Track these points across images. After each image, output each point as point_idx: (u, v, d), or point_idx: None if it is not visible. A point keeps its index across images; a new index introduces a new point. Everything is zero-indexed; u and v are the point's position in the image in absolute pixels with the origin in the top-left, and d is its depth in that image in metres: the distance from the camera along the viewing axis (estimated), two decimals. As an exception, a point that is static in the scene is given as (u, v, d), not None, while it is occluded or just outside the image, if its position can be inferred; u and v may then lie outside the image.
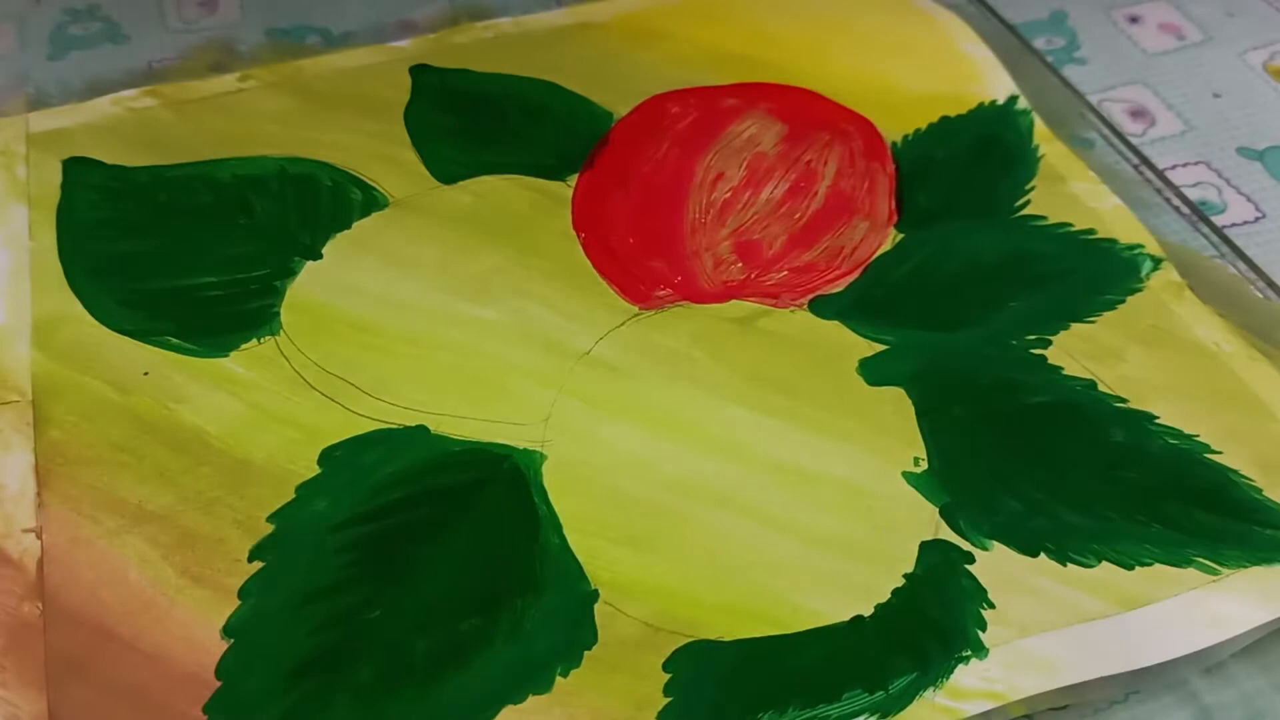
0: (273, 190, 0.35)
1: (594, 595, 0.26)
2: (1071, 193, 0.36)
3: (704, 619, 0.26)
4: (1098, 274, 0.34)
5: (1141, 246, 0.34)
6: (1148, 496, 0.28)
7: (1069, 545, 0.27)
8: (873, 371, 0.31)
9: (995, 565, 0.27)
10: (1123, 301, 0.33)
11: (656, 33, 0.42)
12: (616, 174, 0.36)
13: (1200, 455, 0.29)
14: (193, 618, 0.26)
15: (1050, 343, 0.32)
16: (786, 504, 0.28)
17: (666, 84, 0.40)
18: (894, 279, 0.34)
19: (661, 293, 0.33)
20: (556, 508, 0.28)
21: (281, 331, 0.31)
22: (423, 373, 0.31)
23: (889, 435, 0.30)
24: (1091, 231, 0.35)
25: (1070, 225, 0.35)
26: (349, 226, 0.34)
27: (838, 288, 0.33)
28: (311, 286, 0.33)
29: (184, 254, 0.33)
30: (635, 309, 0.33)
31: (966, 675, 0.25)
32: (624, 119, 0.38)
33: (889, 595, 0.27)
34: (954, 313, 0.33)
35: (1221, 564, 0.27)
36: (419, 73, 0.40)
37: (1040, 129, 0.38)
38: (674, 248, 0.34)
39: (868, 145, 0.38)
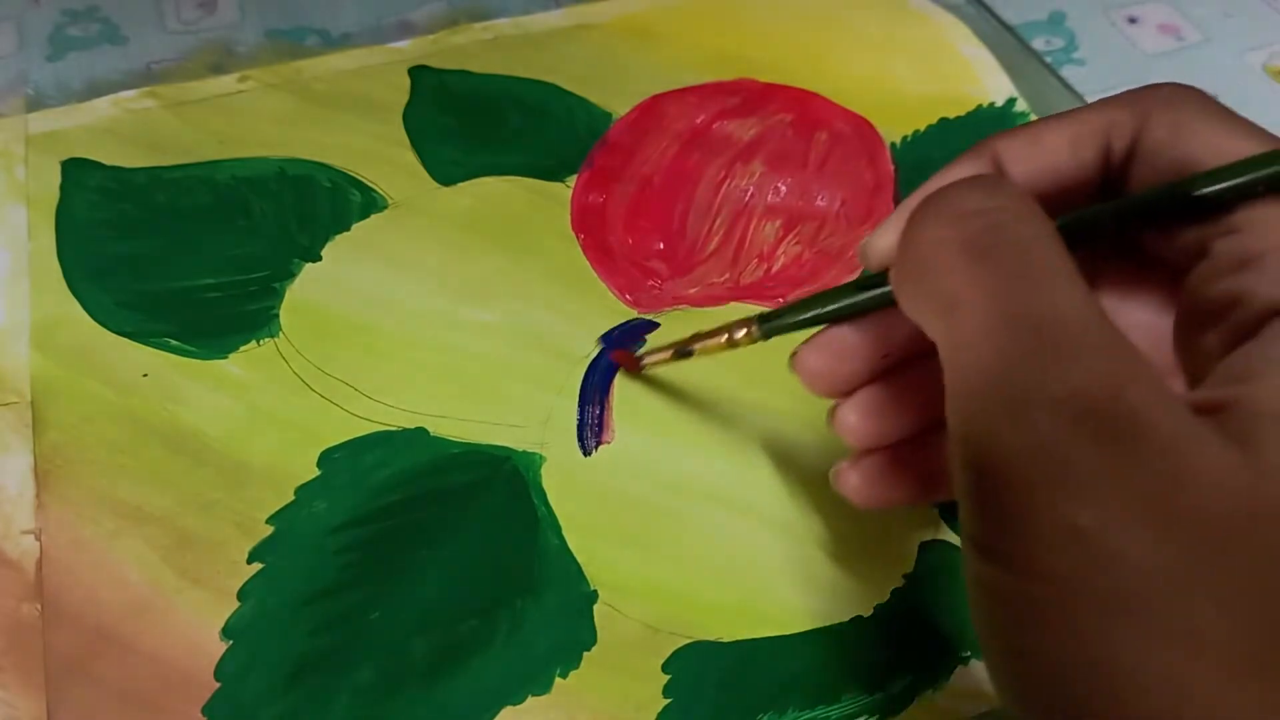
0: (272, 191, 0.35)
1: (593, 596, 0.26)
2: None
3: (704, 620, 0.26)
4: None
5: (1140, 247, 0.34)
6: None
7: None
8: (872, 372, 0.31)
9: (995, 566, 0.27)
10: (1122, 302, 0.33)
11: (655, 34, 0.42)
12: (615, 175, 0.36)
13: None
14: (192, 619, 0.26)
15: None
16: (786, 504, 0.28)
17: (665, 84, 0.40)
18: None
19: (660, 293, 0.33)
20: (556, 509, 0.28)
21: (280, 333, 0.31)
22: (422, 375, 0.31)
23: (888, 436, 0.30)
24: (1090, 232, 0.35)
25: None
26: (348, 229, 0.34)
27: (837, 289, 0.33)
28: (310, 288, 0.33)
29: (183, 255, 0.33)
30: (634, 311, 0.33)
31: (966, 676, 0.25)
32: (623, 119, 0.38)
33: (888, 596, 0.27)
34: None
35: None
36: (418, 74, 0.40)
37: (1039, 130, 0.38)
38: (673, 249, 0.34)
39: (867, 146, 0.38)
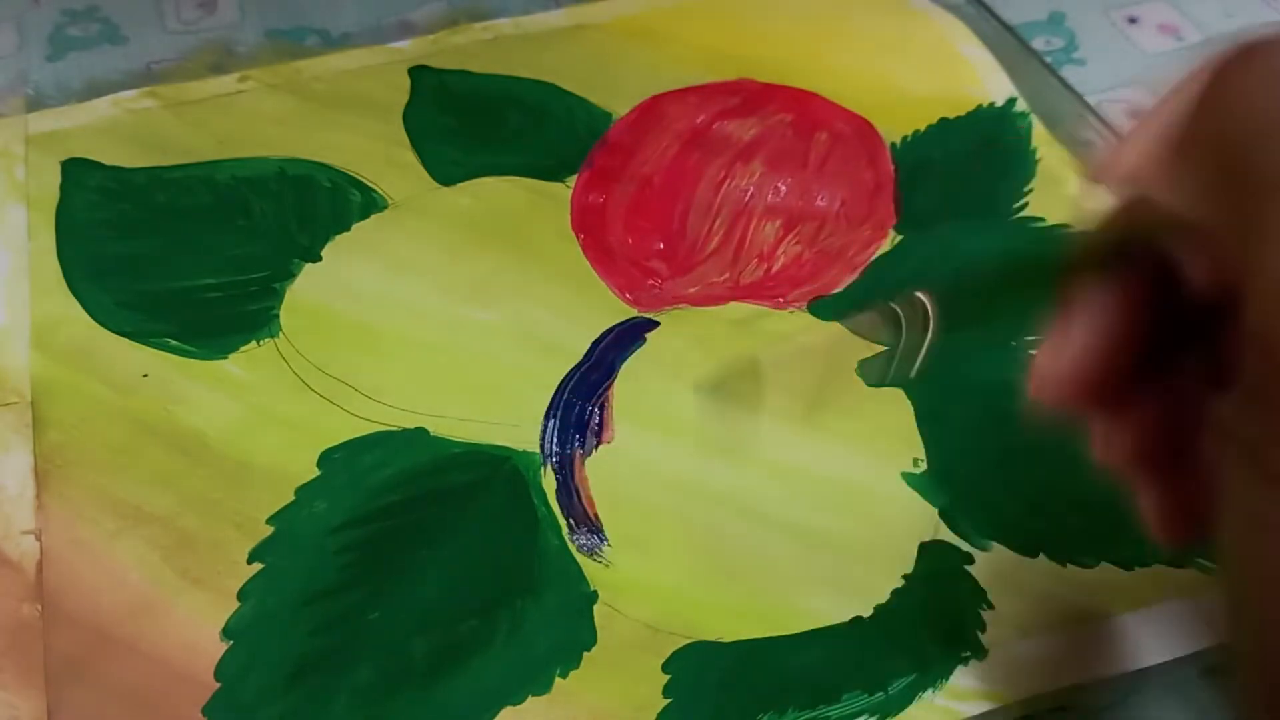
0: (272, 191, 0.35)
1: (593, 596, 0.26)
2: (1070, 194, 0.36)
3: (704, 620, 0.26)
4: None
5: (1140, 247, 0.34)
6: (1147, 497, 0.28)
7: (1069, 545, 0.27)
8: (872, 372, 0.31)
9: (995, 566, 0.27)
10: (1122, 302, 0.33)
11: (655, 34, 0.42)
12: (615, 175, 0.36)
13: (1199, 456, 0.29)
14: (192, 619, 0.26)
15: (1049, 343, 0.32)
16: (786, 504, 0.28)
17: (665, 85, 0.40)
18: (894, 280, 0.34)
19: (660, 292, 0.33)
20: (556, 509, 0.28)
21: (281, 333, 0.31)
22: (422, 375, 0.31)
23: (888, 436, 0.30)
24: (1090, 232, 0.35)
25: (1070, 227, 0.35)
26: (348, 229, 0.34)
27: (837, 289, 0.33)
28: (311, 289, 0.33)
29: (183, 255, 0.33)
30: (635, 310, 0.33)
31: (966, 676, 0.25)
32: (623, 119, 0.38)
33: (888, 596, 0.27)
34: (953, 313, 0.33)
35: (1221, 564, 0.27)
36: (418, 74, 0.40)
37: (1039, 131, 0.38)
38: (673, 248, 0.34)
39: (867, 146, 0.38)
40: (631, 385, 0.31)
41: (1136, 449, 0.19)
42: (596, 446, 0.29)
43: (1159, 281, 0.17)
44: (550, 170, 0.36)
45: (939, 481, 0.29)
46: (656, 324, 0.32)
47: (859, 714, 0.25)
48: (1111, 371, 0.18)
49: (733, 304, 0.33)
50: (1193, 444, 0.19)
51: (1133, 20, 0.45)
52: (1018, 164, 0.37)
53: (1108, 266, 0.18)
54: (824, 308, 0.33)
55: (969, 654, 0.26)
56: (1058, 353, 0.18)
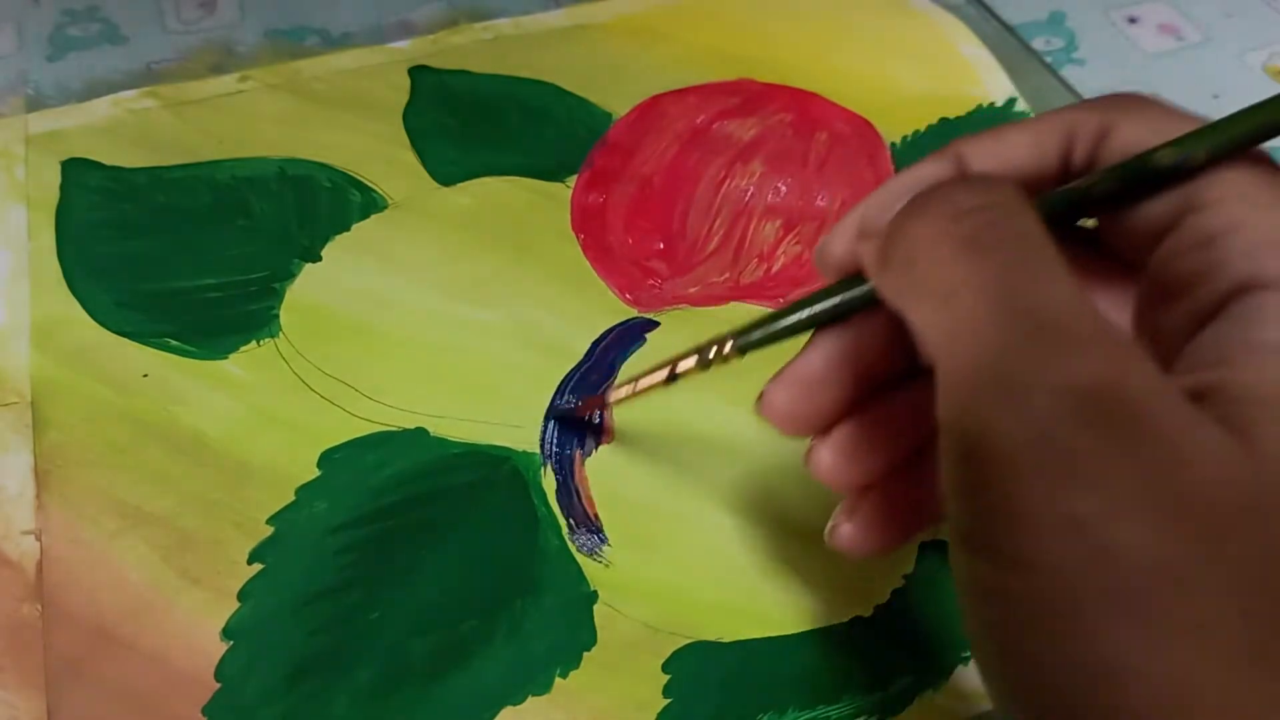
0: (272, 191, 0.35)
1: (593, 596, 0.26)
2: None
3: (704, 620, 0.26)
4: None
5: (1140, 247, 0.34)
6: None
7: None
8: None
9: (994, 566, 0.27)
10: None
11: (656, 34, 0.42)
12: (615, 175, 0.36)
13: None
14: (192, 619, 0.26)
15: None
16: (786, 504, 0.28)
17: (665, 85, 0.40)
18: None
19: (661, 293, 0.33)
20: (555, 509, 0.28)
21: (280, 333, 0.31)
22: (422, 375, 0.31)
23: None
24: (1090, 232, 0.35)
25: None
26: (348, 229, 0.34)
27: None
28: (311, 289, 0.33)
29: (183, 255, 0.33)
30: (634, 310, 0.33)
31: (966, 676, 0.25)
32: (623, 120, 0.38)
33: (888, 596, 0.27)
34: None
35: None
36: (418, 74, 0.40)
37: (1039, 130, 0.38)
38: (673, 248, 0.34)
39: (867, 146, 0.38)
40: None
41: (845, 467, 0.22)
42: (596, 446, 0.29)
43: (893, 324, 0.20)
44: (550, 170, 0.36)
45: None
46: (656, 324, 0.32)
47: (859, 714, 0.25)
48: (828, 400, 0.22)
49: (733, 304, 0.33)
50: (913, 460, 0.22)
51: (1133, 20, 0.45)
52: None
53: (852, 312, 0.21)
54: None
55: (969, 654, 0.26)
56: (785, 382, 0.22)
